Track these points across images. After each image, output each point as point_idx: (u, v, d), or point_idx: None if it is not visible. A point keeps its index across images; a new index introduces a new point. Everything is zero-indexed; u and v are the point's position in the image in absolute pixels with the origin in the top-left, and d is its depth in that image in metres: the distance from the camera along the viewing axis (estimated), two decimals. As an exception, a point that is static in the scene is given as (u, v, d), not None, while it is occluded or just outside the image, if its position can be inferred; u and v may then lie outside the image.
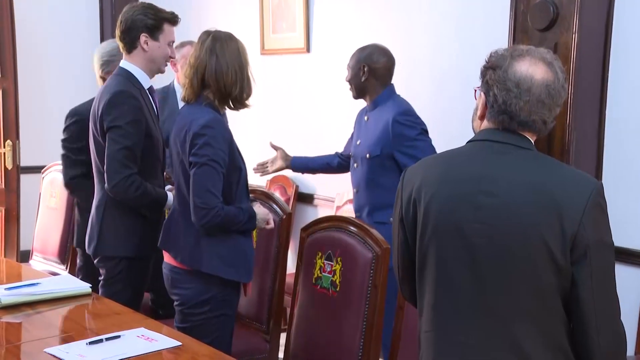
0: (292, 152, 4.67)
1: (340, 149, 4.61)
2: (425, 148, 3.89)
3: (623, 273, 3.38)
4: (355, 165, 4.10)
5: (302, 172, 4.65)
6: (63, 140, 4.04)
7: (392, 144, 3.93)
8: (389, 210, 3.87)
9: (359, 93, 4.05)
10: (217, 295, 3.17)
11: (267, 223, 3.34)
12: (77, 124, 3.95)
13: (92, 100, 3.95)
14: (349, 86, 4.04)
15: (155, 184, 3.49)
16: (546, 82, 2.15)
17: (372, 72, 3.97)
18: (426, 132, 3.98)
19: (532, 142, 2.22)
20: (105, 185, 3.44)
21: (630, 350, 3.71)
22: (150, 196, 3.46)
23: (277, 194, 4.20)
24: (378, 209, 4.00)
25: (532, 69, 2.17)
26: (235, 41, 3.21)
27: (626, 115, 3.96)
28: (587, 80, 3.86)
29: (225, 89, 3.13)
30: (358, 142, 4.09)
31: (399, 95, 4.04)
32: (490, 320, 2.15)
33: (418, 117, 3.95)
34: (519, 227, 2.10)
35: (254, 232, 3.50)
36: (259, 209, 3.30)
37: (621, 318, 2.16)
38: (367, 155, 3.99)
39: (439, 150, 2.36)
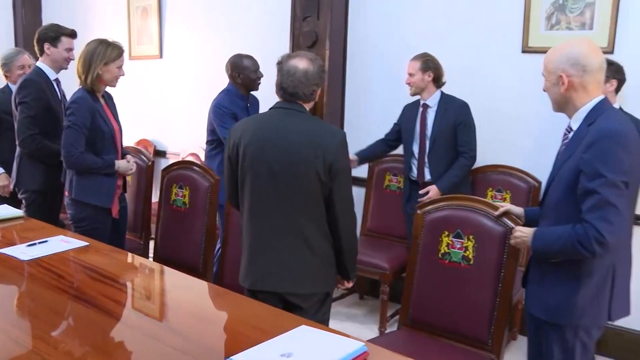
0: (152, 126, 4.69)
1: (181, 127, 4.88)
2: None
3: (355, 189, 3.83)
4: None
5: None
6: None
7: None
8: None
9: None
10: (90, 215, 3.18)
11: (131, 170, 3.31)
12: None
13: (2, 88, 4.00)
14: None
15: (56, 143, 3.41)
16: (305, 70, 2.29)
17: None
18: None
19: (306, 108, 2.36)
20: (16, 141, 3.48)
21: (357, 232, 4.10)
22: (48, 149, 3.46)
23: (144, 150, 4.13)
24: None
25: (298, 62, 2.30)
26: (98, 44, 3.13)
27: (356, 96, 4.35)
28: (334, 76, 4.20)
29: (78, 74, 3.13)
30: None
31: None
32: (285, 216, 2.29)
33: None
34: (301, 159, 2.23)
35: (129, 177, 3.51)
36: (123, 163, 3.25)
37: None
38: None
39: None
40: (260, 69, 3.85)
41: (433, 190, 3.48)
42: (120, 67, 3.18)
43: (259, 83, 3.86)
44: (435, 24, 4.00)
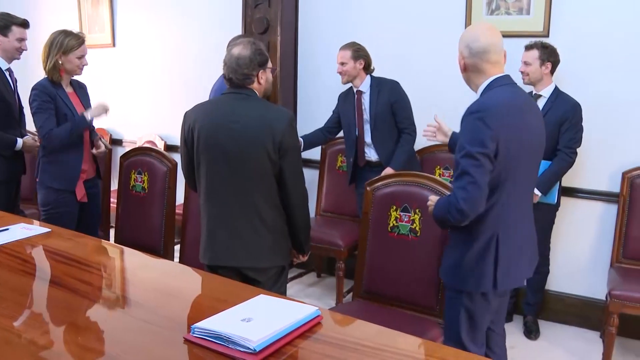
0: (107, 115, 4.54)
1: (137, 115, 4.83)
2: None
3: (308, 171, 3.92)
4: None
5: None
6: None
7: None
8: None
9: None
10: (55, 198, 3.22)
11: (105, 110, 3.33)
12: None
13: None
14: None
15: (10, 133, 3.46)
16: (237, 56, 2.34)
17: None
18: None
19: (256, 93, 2.41)
20: None
21: (312, 213, 4.27)
22: (1, 140, 3.44)
23: (103, 138, 4.07)
24: None
25: (234, 49, 2.36)
26: (58, 34, 3.17)
27: (307, 81, 4.46)
28: (286, 62, 4.27)
29: (42, 64, 3.18)
30: None
31: None
32: (239, 195, 2.37)
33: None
34: (252, 140, 2.30)
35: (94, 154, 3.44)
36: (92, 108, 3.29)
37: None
38: None
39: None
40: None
41: (389, 172, 3.57)
42: (81, 57, 3.21)
43: None
44: (383, 11, 4.11)
